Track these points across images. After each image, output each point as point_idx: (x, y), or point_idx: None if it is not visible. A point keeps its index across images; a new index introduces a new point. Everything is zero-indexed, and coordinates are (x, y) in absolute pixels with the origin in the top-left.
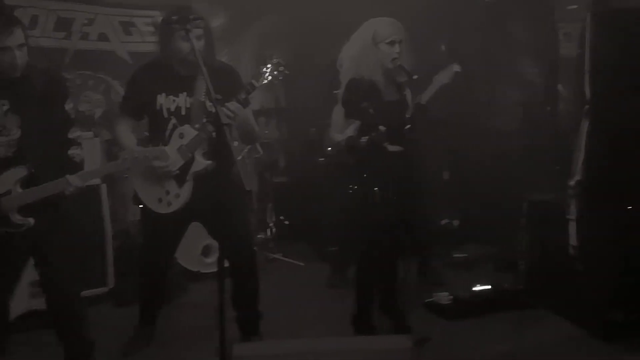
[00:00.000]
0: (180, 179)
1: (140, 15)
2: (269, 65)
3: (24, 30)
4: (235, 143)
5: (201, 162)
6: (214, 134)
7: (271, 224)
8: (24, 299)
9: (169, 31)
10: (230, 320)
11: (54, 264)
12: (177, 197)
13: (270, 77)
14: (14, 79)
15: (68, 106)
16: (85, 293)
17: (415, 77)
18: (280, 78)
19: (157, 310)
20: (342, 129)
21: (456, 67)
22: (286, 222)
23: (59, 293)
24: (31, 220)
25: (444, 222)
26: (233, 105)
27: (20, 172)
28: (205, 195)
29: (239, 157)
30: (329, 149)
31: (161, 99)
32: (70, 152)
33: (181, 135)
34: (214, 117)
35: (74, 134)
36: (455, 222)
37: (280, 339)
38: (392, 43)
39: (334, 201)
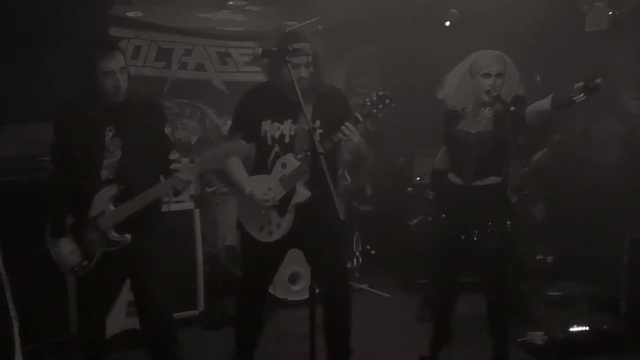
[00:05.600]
0: (281, 209)
1: (236, 47)
2: (374, 97)
3: (124, 55)
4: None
5: (302, 194)
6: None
7: (357, 254)
8: (121, 318)
9: (278, 59)
10: (320, 349)
11: (149, 285)
12: (278, 227)
13: (375, 111)
14: (117, 105)
15: (167, 130)
16: (177, 315)
17: (512, 108)
18: (386, 111)
19: (256, 340)
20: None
21: None
22: (372, 252)
23: (153, 313)
24: (128, 237)
25: (538, 257)
26: (350, 126)
27: (111, 190)
28: (305, 225)
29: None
30: (418, 178)
31: (266, 126)
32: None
33: (283, 166)
34: (311, 146)
35: (173, 155)
36: (550, 258)
37: None
38: (486, 75)
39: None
